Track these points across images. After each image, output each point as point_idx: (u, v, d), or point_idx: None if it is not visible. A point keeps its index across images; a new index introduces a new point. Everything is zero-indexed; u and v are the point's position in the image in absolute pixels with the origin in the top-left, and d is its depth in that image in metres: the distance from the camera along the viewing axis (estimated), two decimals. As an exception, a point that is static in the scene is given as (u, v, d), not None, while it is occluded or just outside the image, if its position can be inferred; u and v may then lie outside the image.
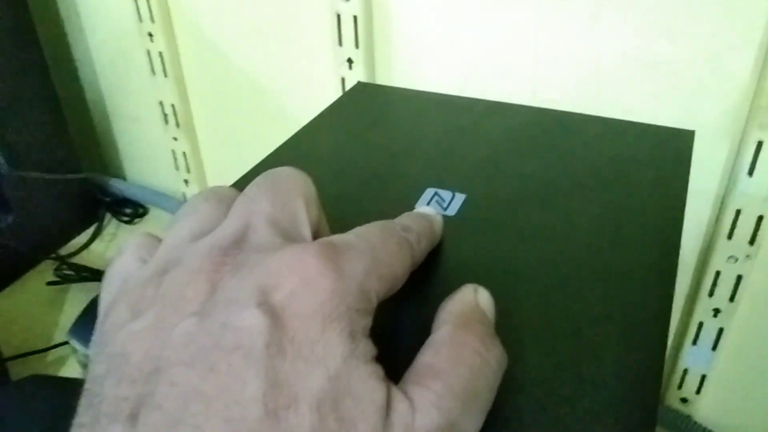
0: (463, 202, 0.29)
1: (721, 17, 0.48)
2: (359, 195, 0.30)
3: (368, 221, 0.20)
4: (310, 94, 0.72)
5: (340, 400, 0.15)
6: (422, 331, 0.18)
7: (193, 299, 0.16)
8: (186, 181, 0.89)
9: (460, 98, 0.40)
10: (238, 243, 0.18)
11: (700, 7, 0.48)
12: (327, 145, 0.35)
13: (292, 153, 0.35)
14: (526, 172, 0.31)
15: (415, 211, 0.24)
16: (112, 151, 0.99)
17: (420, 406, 0.16)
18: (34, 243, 0.83)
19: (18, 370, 0.68)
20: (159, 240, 0.20)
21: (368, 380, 0.15)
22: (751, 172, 0.50)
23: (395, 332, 0.21)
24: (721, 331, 0.58)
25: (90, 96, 0.95)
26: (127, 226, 0.93)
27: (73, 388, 0.16)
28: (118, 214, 0.94)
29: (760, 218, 0.52)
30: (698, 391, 0.63)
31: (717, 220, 0.55)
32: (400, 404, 0.15)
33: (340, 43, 0.64)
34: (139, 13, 0.77)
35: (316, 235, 0.20)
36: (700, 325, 0.59)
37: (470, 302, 0.19)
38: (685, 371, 0.62)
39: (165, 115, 0.84)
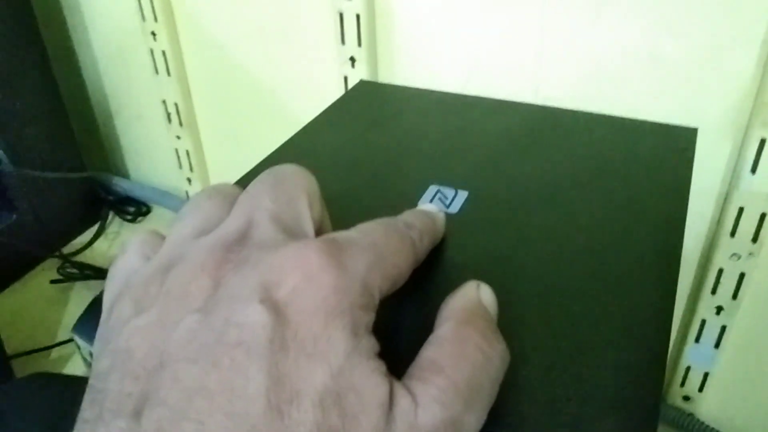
0: (466, 200, 0.29)
1: (724, 14, 0.48)
2: (362, 192, 0.30)
3: (371, 218, 0.20)
4: (313, 92, 0.72)
5: (342, 395, 0.15)
6: (425, 328, 0.18)
7: (196, 296, 0.16)
8: (189, 180, 0.89)
9: (462, 96, 0.40)
10: (241, 240, 0.18)
11: (703, 4, 0.48)
12: (330, 143, 0.35)
13: (294, 151, 0.35)
14: (528, 170, 0.31)
15: (417, 208, 0.24)
16: (116, 149, 0.99)
17: (423, 401, 0.16)
18: (38, 241, 0.83)
19: (22, 368, 0.68)
20: (162, 237, 0.20)
21: (371, 376, 0.15)
22: (754, 170, 0.50)
23: (398, 329, 0.21)
24: (723, 328, 0.58)
25: (93, 95, 0.96)
26: (131, 225, 0.93)
27: (77, 386, 0.17)
28: (121, 213, 0.94)
29: (763, 216, 0.52)
30: (701, 389, 0.63)
31: (720, 217, 0.54)
32: (402, 399, 0.15)
33: (343, 42, 0.64)
34: (142, 12, 0.77)
35: (319, 232, 0.20)
36: (703, 322, 0.59)
37: (473, 298, 0.19)
38: (688, 369, 0.62)
39: (168, 114, 0.84)
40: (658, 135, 0.34)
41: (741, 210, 0.52)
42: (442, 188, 0.29)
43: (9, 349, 0.67)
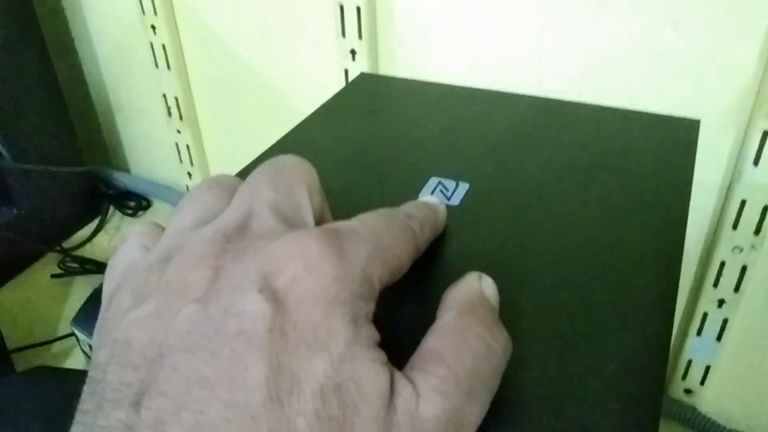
0: (467, 192, 0.28)
1: (726, 6, 0.48)
2: (362, 184, 0.30)
3: (372, 210, 0.20)
4: (313, 85, 0.72)
5: (343, 385, 0.15)
6: (426, 319, 0.18)
7: (195, 286, 0.16)
8: (189, 174, 0.89)
9: (463, 88, 0.40)
10: (241, 230, 0.18)
11: (706, -4, 0.48)
12: (330, 136, 0.35)
13: (295, 143, 0.35)
14: (530, 162, 0.31)
15: (418, 199, 0.24)
16: (116, 143, 0.99)
17: (424, 391, 0.15)
18: (38, 236, 0.83)
19: (23, 362, 0.68)
20: (162, 228, 0.20)
21: (371, 365, 0.15)
22: (756, 162, 0.50)
23: (399, 320, 0.21)
24: (725, 321, 0.58)
25: (93, 89, 0.95)
26: (131, 219, 0.93)
27: (77, 380, 0.16)
28: (121, 207, 0.94)
29: (766, 208, 0.51)
30: (703, 382, 0.63)
31: (722, 210, 0.54)
32: (403, 389, 0.15)
33: (343, 35, 0.64)
34: (141, 5, 0.77)
35: (319, 223, 0.20)
36: (705, 315, 0.59)
37: (475, 289, 0.19)
38: (690, 362, 0.62)
39: (168, 108, 0.84)
40: (661, 127, 0.34)
41: (743, 202, 0.52)
42: (443, 180, 0.29)
43: (10, 344, 0.67)
